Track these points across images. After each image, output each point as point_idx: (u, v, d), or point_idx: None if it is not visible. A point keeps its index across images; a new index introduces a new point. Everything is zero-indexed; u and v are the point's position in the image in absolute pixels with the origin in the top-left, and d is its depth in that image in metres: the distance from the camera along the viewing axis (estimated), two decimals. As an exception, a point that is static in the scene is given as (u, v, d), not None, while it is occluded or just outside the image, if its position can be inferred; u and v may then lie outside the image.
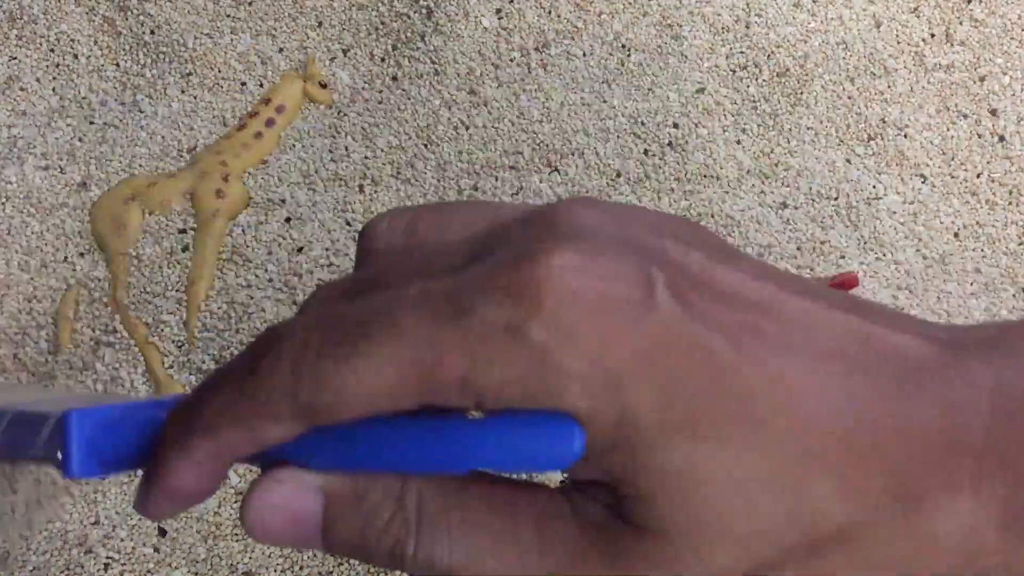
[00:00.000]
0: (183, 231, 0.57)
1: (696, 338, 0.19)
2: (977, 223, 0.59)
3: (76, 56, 0.61)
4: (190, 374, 0.53)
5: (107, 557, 0.51)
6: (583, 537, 0.21)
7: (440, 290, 0.20)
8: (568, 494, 0.21)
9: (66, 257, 0.56)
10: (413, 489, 0.21)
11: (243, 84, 0.60)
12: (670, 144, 0.60)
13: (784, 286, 0.21)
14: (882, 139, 0.60)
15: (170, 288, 0.55)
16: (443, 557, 0.21)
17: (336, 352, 0.20)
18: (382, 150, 0.59)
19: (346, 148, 0.59)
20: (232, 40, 0.61)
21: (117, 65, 0.61)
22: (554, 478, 0.49)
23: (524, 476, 0.50)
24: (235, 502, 0.52)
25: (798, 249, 0.58)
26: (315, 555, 0.51)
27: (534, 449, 0.20)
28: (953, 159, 0.60)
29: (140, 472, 0.23)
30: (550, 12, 0.62)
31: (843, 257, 0.57)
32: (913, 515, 0.20)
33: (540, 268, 0.19)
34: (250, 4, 0.62)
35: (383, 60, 0.61)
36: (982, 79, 0.62)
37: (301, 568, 0.50)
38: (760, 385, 0.19)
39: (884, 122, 0.61)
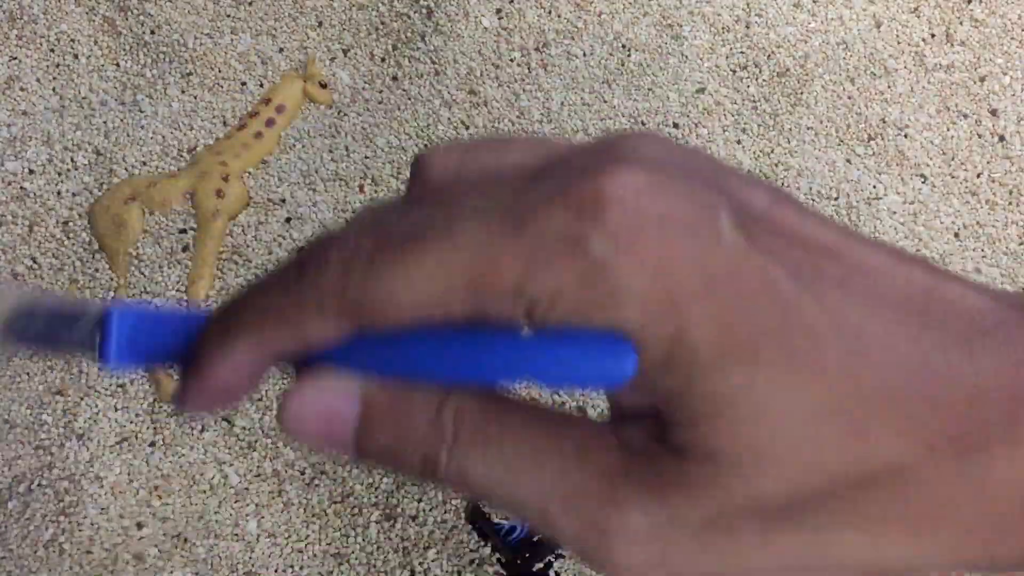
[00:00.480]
0: (183, 231, 0.57)
1: (757, 268, 0.19)
2: (977, 223, 0.59)
3: (76, 56, 0.61)
4: (190, 374, 0.53)
5: (107, 557, 0.51)
6: (626, 462, 0.20)
7: (500, 202, 0.20)
8: (613, 425, 0.21)
9: (66, 257, 0.56)
10: (453, 400, 0.21)
11: (243, 84, 0.60)
12: (670, 144, 0.60)
13: (851, 234, 0.21)
14: (882, 139, 0.60)
15: (170, 288, 0.55)
16: (477, 471, 0.20)
17: (389, 254, 0.20)
18: (382, 150, 0.59)
19: (346, 148, 0.59)
20: (232, 40, 0.61)
21: (117, 65, 0.61)
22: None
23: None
24: (235, 502, 0.52)
25: (798, 249, 0.58)
26: (314, 555, 0.51)
27: (585, 366, 0.19)
28: (953, 159, 0.60)
29: (176, 368, 0.23)
30: (550, 12, 0.62)
31: (843, 257, 0.58)
32: (970, 462, 0.20)
33: (606, 182, 0.19)
34: (250, 4, 0.62)
35: (383, 60, 0.61)
36: (982, 79, 0.62)
37: (301, 568, 0.50)
38: (821, 321, 0.19)
39: (884, 122, 0.61)
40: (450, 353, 0.20)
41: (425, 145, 0.59)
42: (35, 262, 0.56)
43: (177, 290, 0.55)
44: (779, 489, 0.20)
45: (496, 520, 0.49)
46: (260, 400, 0.53)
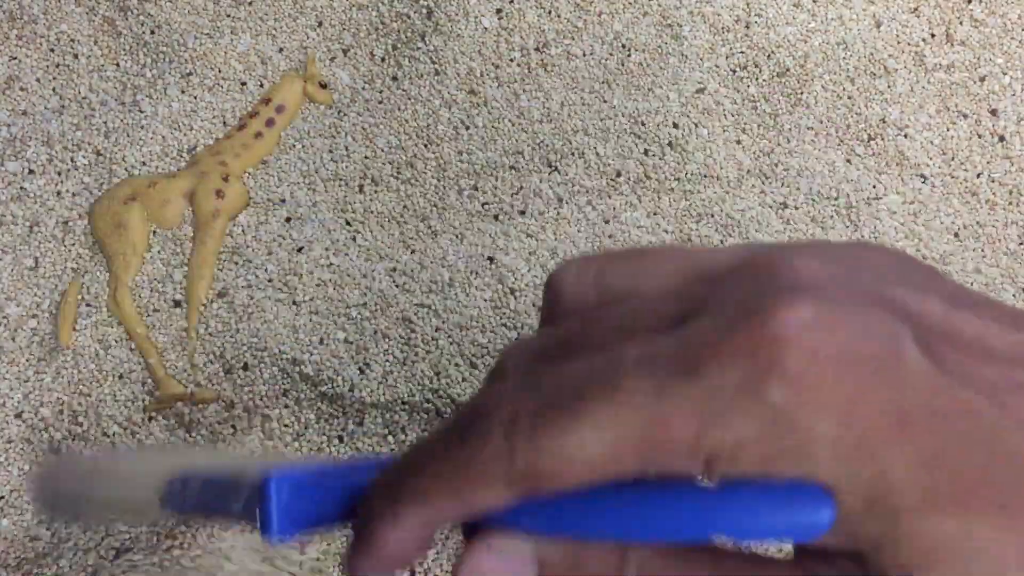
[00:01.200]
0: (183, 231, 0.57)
1: (953, 397, 0.18)
2: (977, 223, 0.59)
3: (76, 56, 0.61)
4: (190, 374, 0.53)
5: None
6: None
7: (662, 350, 0.19)
8: (805, 565, 0.20)
9: (66, 257, 0.56)
10: (633, 559, 0.20)
11: (243, 84, 0.60)
12: (670, 144, 0.60)
13: None
14: (882, 139, 0.60)
15: (170, 288, 0.55)
16: None
17: (553, 417, 0.19)
18: (382, 150, 0.59)
19: (346, 148, 0.59)
20: (232, 40, 0.61)
21: (117, 65, 0.61)
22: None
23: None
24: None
25: (798, 249, 0.58)
26: (314, 554, 0.51)
27: (779, 518, 0.18)
28: (953, 159, 0.60)
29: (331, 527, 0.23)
30: (550, 12, 0.62)
31: (843, 257, 0.57)
32: None
33: (776, 323, 0.18)
34: (250, 4, 0.62)
35: (383, 60, 0.61)
36: (982, 79, 0.62)
37: (301, 567, 0.50)
38: None
39: (884, 122, 0.61)
40: (625, 511, 0.19)
41: (425, 145, 0.59)
42: (35, 262, 0.56)
43: (177, 290, 0.55)
44: None
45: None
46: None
